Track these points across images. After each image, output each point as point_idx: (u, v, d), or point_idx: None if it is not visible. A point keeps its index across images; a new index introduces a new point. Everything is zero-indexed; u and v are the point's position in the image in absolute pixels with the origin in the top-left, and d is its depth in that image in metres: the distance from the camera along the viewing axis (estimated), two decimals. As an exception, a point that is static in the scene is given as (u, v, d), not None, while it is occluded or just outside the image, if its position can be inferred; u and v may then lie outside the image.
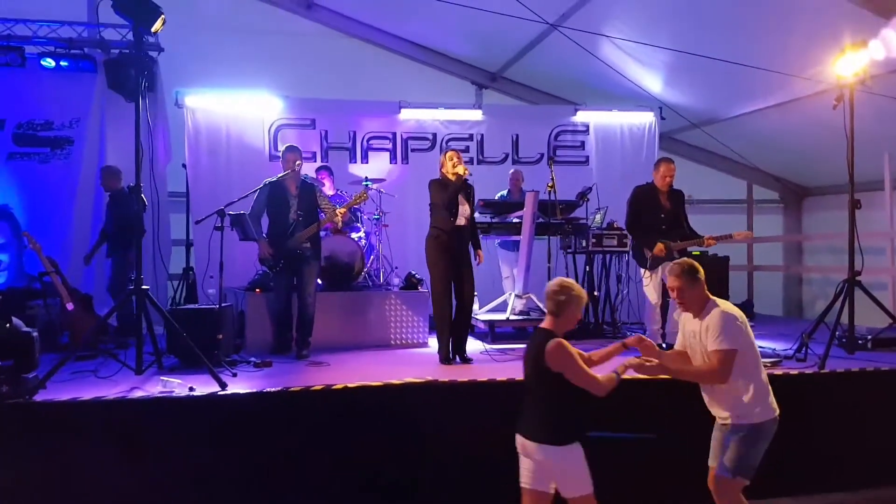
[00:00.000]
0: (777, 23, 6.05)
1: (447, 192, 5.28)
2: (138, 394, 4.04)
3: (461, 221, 5.33)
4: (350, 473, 3.94)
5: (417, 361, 5.50)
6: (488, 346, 5.98)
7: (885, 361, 5.20)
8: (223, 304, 5.24)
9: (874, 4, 5.21)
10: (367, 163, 7.98)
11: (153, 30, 4.35)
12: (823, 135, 6.50)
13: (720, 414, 3.38)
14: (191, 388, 4.05)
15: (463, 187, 5.38)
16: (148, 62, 6.74)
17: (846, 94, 5.31)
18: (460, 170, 5.28)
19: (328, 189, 7.09)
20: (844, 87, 5.33)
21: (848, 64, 5.26)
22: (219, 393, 4.01)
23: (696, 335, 3.35)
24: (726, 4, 6.12)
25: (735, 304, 8.46)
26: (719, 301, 3.31)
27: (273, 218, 5.62)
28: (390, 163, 8.05)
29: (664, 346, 5.66)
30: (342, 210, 5.57)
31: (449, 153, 5.42)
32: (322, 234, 6.38)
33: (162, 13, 4.34)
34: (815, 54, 5.97)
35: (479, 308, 7.08)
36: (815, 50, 5.98)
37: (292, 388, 4.09)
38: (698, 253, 6.15)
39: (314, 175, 7.30)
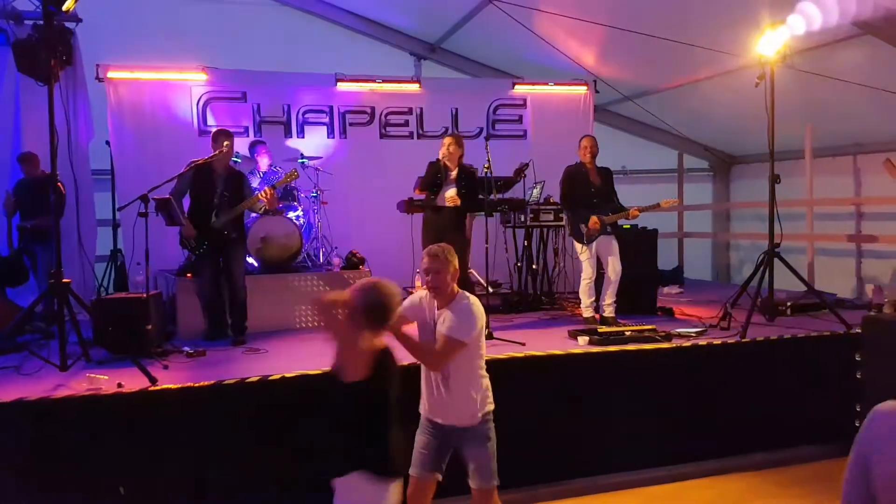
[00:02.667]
0: (705, 1, 6.17)
1: (425, 179, 5.70)
2: (63, 392, 3.91)
3: (445, 202, 5.67)
4: (294, 467, 3.93)
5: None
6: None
7: (802, 327, 5.53)
8: (151, 292, 5.08)
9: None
10: (303, 137, 7.80)
11: (64, 8, 4.09)
12: (750, 106, 6.70)
13: (458, 416, 3.15)
14: (119, 385, 3.94)
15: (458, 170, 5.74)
16: (64, 35, 6.45)
17: (767, 72, 5.48)
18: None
19: (264, 165, 6.93)
20: (766, 65, 5.50)
21: (769, 43, 5.42)
22: (149, 388, 3.93)
23: (433, 322, 3.16)
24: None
25: (666, 271, 8.81)
26: (471, 297, 3.17)
27: (196, 199, 5.43)
28: (328, 137, 7.90)
29: (598, 318, 5.86)
30: (267, 190, 5.39)
31: (448, 138, 5.85)
32: (253, 215, 6.24)
33: (73, -10, 4.09)
34: (741, 31, 6.12)
35: (422, 284, 7.13)
36: (740, 27, 6.13)
37: (226, 381, 4.03)
38: (628, 226, 6.33)
39: (247, 152, 7.11)
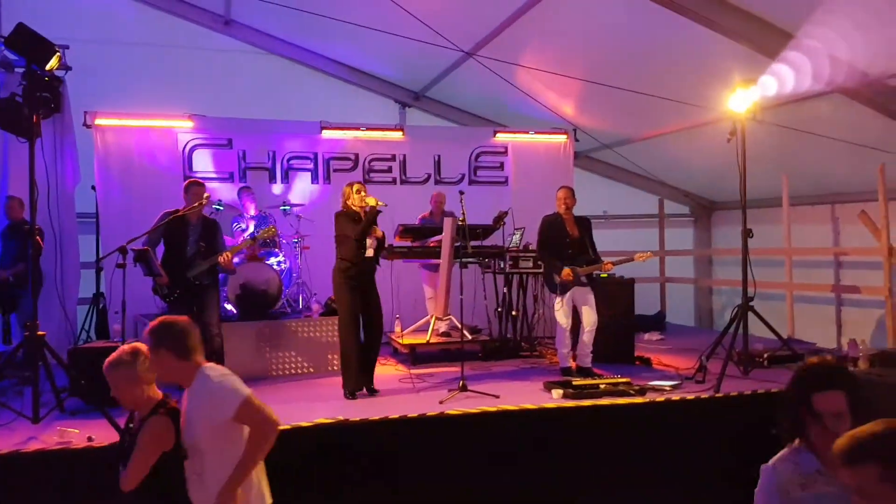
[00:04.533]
0: (677, 59, 6.39)
1: (359, 225, 5.29)
2: (34, 446, 3.91)
3: (370, 253, 5.37)
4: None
5: (336, 393, 5.51)
6: (411, 371, 6.08)
7: (777, 380, 5.53)
8: (128, 342, 5.09)
9: (760, 46, 5.55)
10: (287, 183, 7.92)
11: (48, 68, 4.21)
12: (726, 155, 6.84)
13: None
14: (89, 438, 3.95)
15: (375, 217, 5.42)
16: (53, 84, 6.56)
17: (738, 127, 5.64)
18: (371, 201, 5.30)
19: (251, 210, 7.03)
20: (737, 120, 5.66)
21: (739, 99, 5.59)
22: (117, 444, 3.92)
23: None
24: (631, 42, 6.42)
25: (648, 316, 8.88)
26: (211, 369, 2.65)
27: (169, 248, 5.47)
28: (312, 183, 8.02)
29: (573, 369, 5.90)
30: (227, 256, 5.36)
31: (356, 185, 5.44)
32: (236, 260, 6.30)
33: (57, 51, 4.20)
34: (713, 87, 6.31)
35: (402, 330, 7.18)
36: (712, 83, 6.32)
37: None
38: (605, 275, 6.41)
39: (236, 196, 7.22)
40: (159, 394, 2.80)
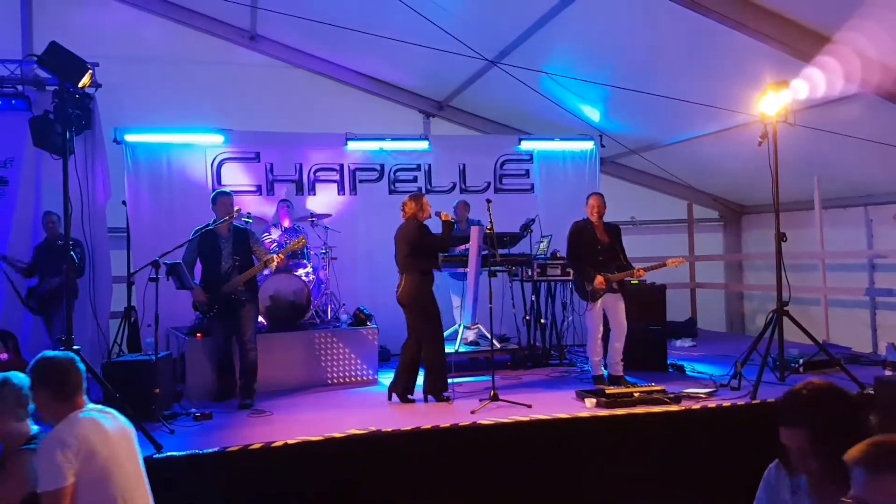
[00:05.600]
0: (705, 62, 6.30)
1: (441, 237, 5.51)
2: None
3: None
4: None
5: (366, 403, 5.51)
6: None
7: (813, 386, 5.42)
8: (161, 355, 5.15)
9: (791, 48, 5.45)
10: (314, 195, 7.97)
11: (80, 85, 4.27)
12: (756, 159, 6.73)
13: None
14: (126, 452, 3.97)
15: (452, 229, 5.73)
16: (84, 102, 6.70)
17: (770, 130, 5.54)
18: (445, 215, 5.60)
19: (286, 223, 7.10)
20: (768, 123, 5.56)
21: (770, 102, 5.50)
22: (154, 456, 3.95)
23: None
24: (656, 45, 6.34)
25: (679, 322, 8.71)
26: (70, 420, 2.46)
27: (206, 264, 5.57)
28: (338, 194, 8.06)
29: (605, 376, 5.82)
30: (278, 257, 5.54)
31: (425, 198, 5.65)
32: (266, 271, 6.35)
33: (89, 69, 4.26)
34: (742, 90, 6.22)
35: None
36: (741, 86, 6.23)
37: (230, 448, 4.05)
38: (636, 282, 6.34)
39: (276, 208, 7.31)
40: (30, 430, 2.65)
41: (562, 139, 8.52)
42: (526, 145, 8.48)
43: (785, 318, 5.53)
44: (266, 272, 6.33)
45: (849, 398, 2.02)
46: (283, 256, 5.53)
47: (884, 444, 1.64)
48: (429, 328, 5.40)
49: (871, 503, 1.59)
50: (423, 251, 5.45)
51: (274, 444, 4.09)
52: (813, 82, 5.65)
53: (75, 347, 4.37)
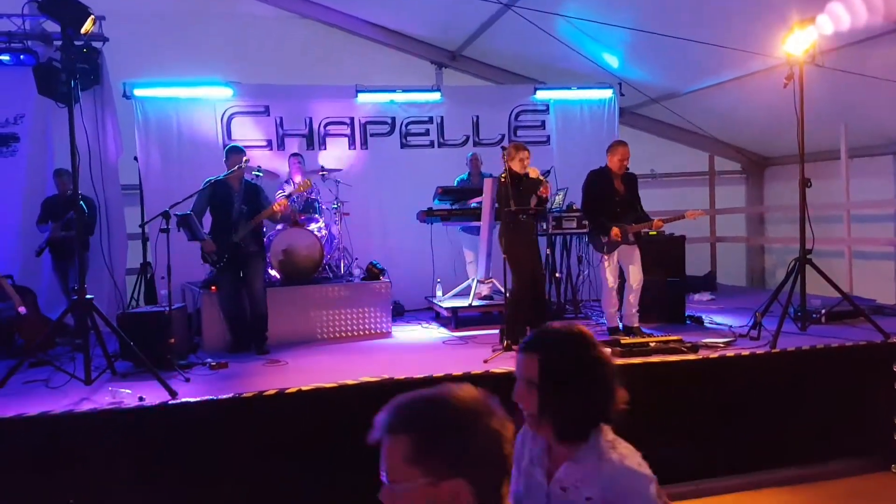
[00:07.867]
0: (729, 2, 6.02)
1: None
2: (87, 406, 3.99)
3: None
4: (311, 480, 3.93)
5: (380, 353, 5.50)
6: (452, 333, 6.08)
7: (836, 336, 5.31)
8: (175, 306, 5.16)
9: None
10: (324, 149, 7.85)
11: (83, 31, 4.18)
12: (781, 107, 6.51)
13: None
14: (140, 398, 4.00)
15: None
16: (92, 56, 6.62)
17: (796, 71, 5.30)
18: (534, 172, 5.59)
19: (297, 178, 7.02)
20: (794, 64, 5.32)
21: (796, 42, 5.25)
22: (169, 402, 3.97)
23: None
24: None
25: (698, 277, 8.57)
26: None
27: (216, 215, 5.58)
28: (349, 149, 7.94)
29: (621, 327, 5.74)
30: (282, 202, 5.51)
31: (524, 152, 5.55)
32: (279, 227, 6.32)
33: (91, 13, 4.17)
34: (767, 31, 5.95)
35: (443, 294, 7.11)
36: (766, 27, 5.96)
37: (244, 395, 4.06)
38: (654, 233, 6.20)
39: (287, 162, 7.23)
40: None
41: (579, 88, 8.28)
42: (542, 95, 8.26)
43: (808, 269, 5.38)
44: (279, 226, 6.31)
45: (590, 344, 1.80)
46: (286, 202, 5.49)
47: None
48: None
49: None
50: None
51: (288, 391, 4.09)
52: (839, 15, 5.38)
53: (88, 297, 4.39)
